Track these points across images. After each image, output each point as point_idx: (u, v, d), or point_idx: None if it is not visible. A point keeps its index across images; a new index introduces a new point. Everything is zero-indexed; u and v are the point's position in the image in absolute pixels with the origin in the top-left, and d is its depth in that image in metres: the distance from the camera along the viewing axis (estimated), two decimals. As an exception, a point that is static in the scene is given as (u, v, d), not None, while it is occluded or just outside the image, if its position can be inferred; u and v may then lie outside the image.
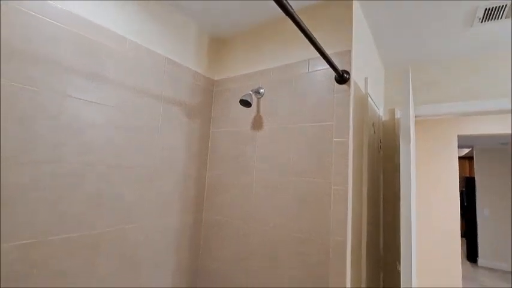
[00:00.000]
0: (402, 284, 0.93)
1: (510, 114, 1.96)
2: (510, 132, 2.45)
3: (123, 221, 1.21)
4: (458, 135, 2.88)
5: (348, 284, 1.08)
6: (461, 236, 5.86)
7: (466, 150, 6.19)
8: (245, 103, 1.35)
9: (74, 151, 1.06)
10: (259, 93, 1.47)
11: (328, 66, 1.13)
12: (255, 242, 1.39)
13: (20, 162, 0.91)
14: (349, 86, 1.21)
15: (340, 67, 1.24)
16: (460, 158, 7.06)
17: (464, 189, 5.74)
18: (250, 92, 1.40)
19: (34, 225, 0.94)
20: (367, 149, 1.40)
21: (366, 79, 1.42)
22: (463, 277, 4.21)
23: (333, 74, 1.26)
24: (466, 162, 7.43)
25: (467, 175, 6.83)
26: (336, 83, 1.24)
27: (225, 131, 1.63)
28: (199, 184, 1.63)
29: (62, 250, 1.01)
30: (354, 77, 1.24)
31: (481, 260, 5.04)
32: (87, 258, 1.08)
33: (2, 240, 0.87)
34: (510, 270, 4.81)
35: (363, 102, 1.40)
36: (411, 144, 1.19)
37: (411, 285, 0.94)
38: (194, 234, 1.59)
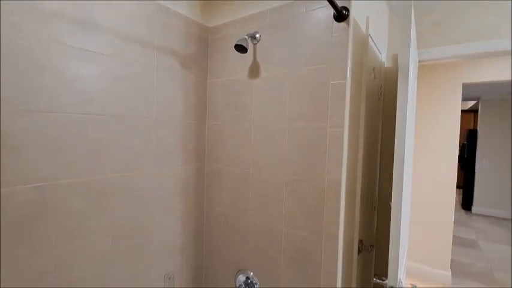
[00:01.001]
0: (392, 216, 1.01)
1: (510, 56, 1.87)
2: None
3: (125, 168, 1.27)
4: (463, 84, 2.80)
5: (342, 217, 1.17)
6: (459, 187, 6.05)
7: (471, 103, 6.07)
8: (240, 48, 1.31)
9: (73, 101, 1.07)
10: (255, 38, 1.42)
11: (327, 2, 1.06)
12: (255, 185, 1.46)
13: (21, 110, 0.93)
14: (348, 24, 1.15)
15: (339, 4, 1.17)
16: (465, 111, 6.96)
17: (466, 142, 5.77)
18: (246, 37, 1.34)
19: (45, 170, 1.00)
20: (366, 94, 1.39)
21: (367, 18, 1.34)
22: (456, 223, 4.46)
23: (331, 12, 1.19)
24: (471, 116, 7.34)
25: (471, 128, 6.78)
26: (334, 21, 1.18)
27: (222, 80, 1.61)
28: (200, 135, 1.67)
29: (71, 193, 1.08)
30: (353, 14, 1.17)
31: (475, 208, 5.29)
32: (95, 201, 1.16)
33: (19, 182, 0.93)
34: (503, 216, 5.07)
35: (363, 43, 1.35)
36: (410, 87, 1.17)
37: (400, 217, 1.02)
38: (198, 182, 1.67)
